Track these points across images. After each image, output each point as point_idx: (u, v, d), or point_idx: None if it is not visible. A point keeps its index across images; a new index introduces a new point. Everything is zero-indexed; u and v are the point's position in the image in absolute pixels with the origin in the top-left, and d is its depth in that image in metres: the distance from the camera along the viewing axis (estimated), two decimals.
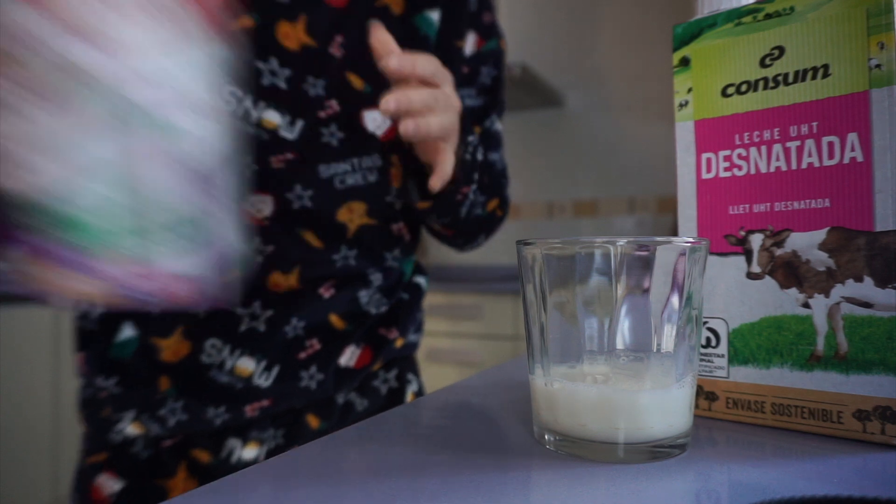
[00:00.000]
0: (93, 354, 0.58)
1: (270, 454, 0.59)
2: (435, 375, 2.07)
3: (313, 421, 0.60)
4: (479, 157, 0.61)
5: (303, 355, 0.58)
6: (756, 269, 0.37)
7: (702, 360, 0.39)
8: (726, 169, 0.38)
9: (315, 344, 0.59)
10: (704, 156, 0.39)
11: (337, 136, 0.59)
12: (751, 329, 0.37)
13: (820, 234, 0.35)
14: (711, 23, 0.39)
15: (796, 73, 0.35)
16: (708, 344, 0.39)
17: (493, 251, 2.61)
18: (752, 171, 0.37)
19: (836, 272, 0.34)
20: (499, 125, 0.71)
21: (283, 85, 0.55)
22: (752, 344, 0.37)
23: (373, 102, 0.59)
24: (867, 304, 0.33)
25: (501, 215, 0.71)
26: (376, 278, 0.63)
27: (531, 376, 0.34)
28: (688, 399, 0.32)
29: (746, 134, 0.37)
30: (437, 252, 2.70)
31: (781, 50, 0.36)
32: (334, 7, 0.58)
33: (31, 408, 1.94)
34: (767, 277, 0.36)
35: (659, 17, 2.40)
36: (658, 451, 0.31)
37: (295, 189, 0.57)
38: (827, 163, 0.34)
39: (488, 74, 0.70)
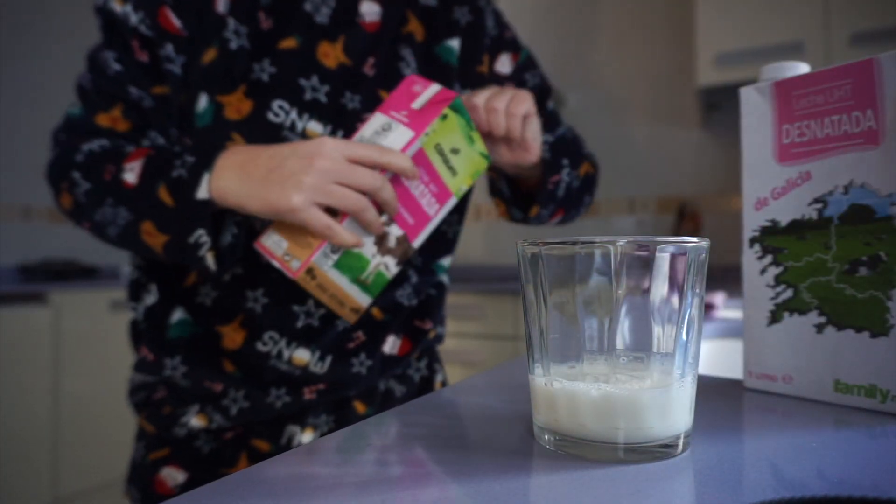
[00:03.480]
0: (154, 340, 0.62)
1: None
2: None
3: (360, 406, 0.66)
4: (552, 156, 0.70)
5: (351, 345, 0.65)
6: None
7: None
8: None
9: (360, 335, 0.65)
10: None
11: None
12: None
13: None
14: None
15: None
16: None
17: (494, 251, 2.62)
18: None
19: None
20: (552, 104, 0.82)
21: (323, 99, 0.62)
22: None
23: None
24: None
25: (594, 171, 0.78)
26: (413, 278, 0.69)
27: (531, 376, 0.34)
28: (688, 399, 0.32)
29: None
30: None
31: None
32: (367, 31, 0.64)
33: (31, 408, 1.94)
34: None
35: (659, 18, 2.40)
36: (658, 451, 0.31)
37: None
38: None
39: (533, 75, 0.78)
